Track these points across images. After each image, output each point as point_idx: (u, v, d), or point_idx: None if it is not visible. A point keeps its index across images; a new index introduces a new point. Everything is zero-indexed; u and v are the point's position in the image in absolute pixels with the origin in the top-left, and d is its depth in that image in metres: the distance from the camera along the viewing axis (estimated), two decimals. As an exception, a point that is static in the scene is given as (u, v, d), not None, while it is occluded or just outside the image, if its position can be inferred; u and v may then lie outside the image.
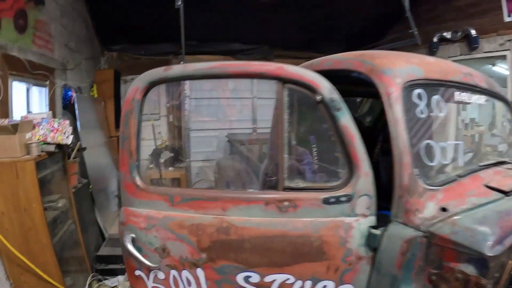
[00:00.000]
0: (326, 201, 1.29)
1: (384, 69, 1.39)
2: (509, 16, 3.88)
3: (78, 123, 3.47)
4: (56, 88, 3.34)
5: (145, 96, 1.41)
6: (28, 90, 2.96)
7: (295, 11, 4.89)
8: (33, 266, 2.19)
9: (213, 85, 5.50)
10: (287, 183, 1.32)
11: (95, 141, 3.97)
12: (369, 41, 6.08)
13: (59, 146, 2.34)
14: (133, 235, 1.38)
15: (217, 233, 1.31)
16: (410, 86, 1.37)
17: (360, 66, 1.47)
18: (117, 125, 4.76)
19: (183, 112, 5.30)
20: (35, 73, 2.90)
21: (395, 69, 1.40)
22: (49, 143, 2.29)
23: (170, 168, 4.56)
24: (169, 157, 4.60)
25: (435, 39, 4.64)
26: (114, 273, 3.01)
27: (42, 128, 2.30)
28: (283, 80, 1.33)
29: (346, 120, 1.30)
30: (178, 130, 5.47)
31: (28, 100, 2.94)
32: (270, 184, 1.48)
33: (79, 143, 2.93)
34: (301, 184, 1.33)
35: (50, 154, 2.33)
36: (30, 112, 2.89)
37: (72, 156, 2.65)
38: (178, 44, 5.41)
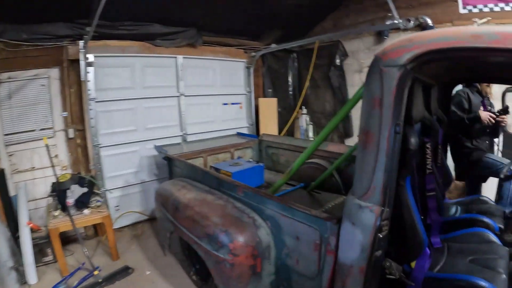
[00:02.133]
0: None
1: None
2: (464, 8, 3.82)
3: None
4: None
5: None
6: None
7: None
8: None
9: (125, 82, 4.05)
10: None
11: None
12: (306, 28, 5.61)
13: None
14: None
15: None
16: None
17: None
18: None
19: (88, 121, 3.73)
20: None
21: None
22: None
23: (86, 211, 3.04)
24: (82, 194, 3.07)
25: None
26: None
27: None
28: None
29: None
30: (83, 148, 3.83)
31: None
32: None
33: None
34: None
35: None
36: None
37: None
38: (77, 24, 3.73)
